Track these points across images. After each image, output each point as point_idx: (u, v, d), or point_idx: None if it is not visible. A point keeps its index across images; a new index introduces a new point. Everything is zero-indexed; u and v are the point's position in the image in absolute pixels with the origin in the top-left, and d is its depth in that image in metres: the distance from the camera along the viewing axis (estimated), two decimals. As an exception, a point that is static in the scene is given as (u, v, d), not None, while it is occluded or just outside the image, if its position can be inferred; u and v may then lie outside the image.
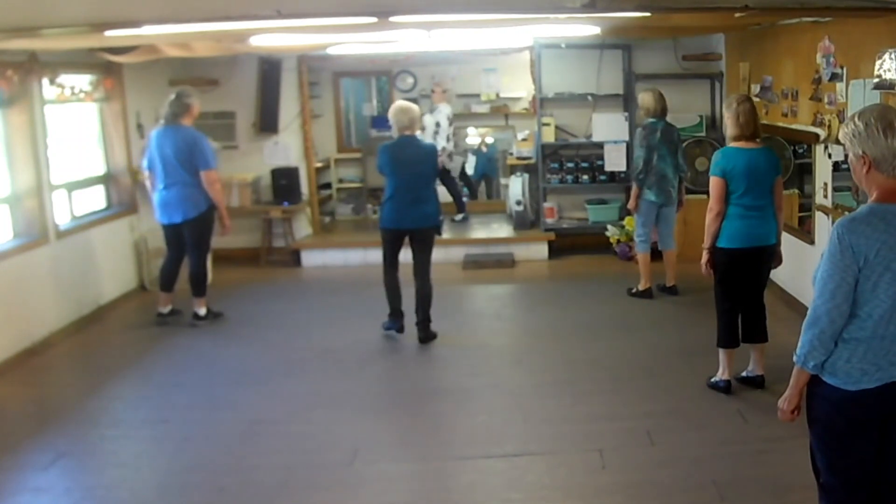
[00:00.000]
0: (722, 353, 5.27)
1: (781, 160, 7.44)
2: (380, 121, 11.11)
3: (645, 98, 7.36)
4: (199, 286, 7.10)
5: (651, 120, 7.31)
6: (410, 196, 6.30)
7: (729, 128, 5.20)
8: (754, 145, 5.16)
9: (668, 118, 7.44)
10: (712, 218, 5.14)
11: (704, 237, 5.21)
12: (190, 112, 6.90)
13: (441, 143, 10.00)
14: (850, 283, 2.72)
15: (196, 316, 7.12)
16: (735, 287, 5.23)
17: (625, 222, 8.98)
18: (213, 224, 7.04)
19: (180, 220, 6.90)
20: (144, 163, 7.09)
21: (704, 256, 5.22)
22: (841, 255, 2.71)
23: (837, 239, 2.71)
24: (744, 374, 5.34)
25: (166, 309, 7.19)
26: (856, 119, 2.76)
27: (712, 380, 5.31)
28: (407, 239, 6.46)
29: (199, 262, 7.06)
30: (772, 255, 5.26)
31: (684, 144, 8.71)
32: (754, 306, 5.29)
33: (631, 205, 7.54)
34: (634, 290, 7.57)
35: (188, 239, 7.00)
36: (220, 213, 7.00)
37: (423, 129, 9.78)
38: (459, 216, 10.35)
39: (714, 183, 5.13)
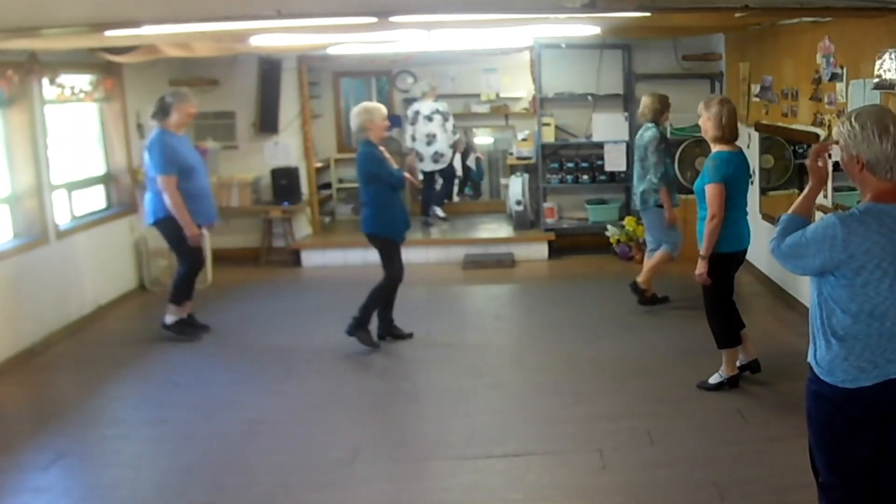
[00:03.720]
0: (727, 352, 5.28)
1: (781, 160, 7.47)
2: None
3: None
4: (174, 292, 6.75)
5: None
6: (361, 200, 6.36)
7: (710, 129, 5.14)
8: (737, 148, 5.21)
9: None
10: (715, 226, 5.02)
11: (705, 246, 5.07)
12: (170, 113, 6.48)
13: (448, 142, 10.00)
14: (814, 264, 2.79)
15: (163, 323, 6.76)
16: (731, 288, 5.30)
17: (625, 222, 8.98)
18: (179, 231, 6.53)
19: (147, 225, 6.83)
20: None
21: (703, 266, 5.08)
22: (821, 239, 2.76)
23: (829, 226, 2.75)
24: (738, 363, 5.36)
25: (183, 315, 6.93)
26: (852, 120, 2.76)
27: (713, 381, 5.30)
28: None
29: (179, 269, 6.75)
30: None
31: (683, 145, 8.73)
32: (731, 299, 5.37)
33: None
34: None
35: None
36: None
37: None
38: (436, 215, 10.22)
39: (718, 190, 5.03)
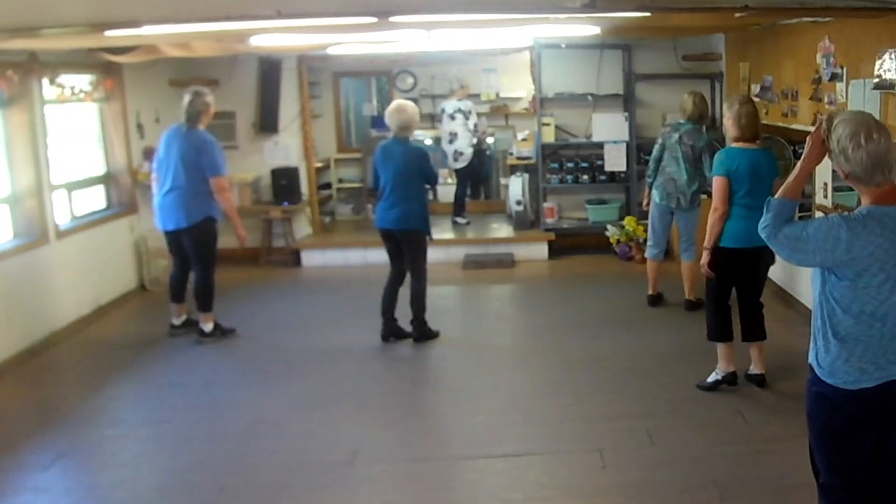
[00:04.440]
0: (720, 347, 5.30)
1: (781, 160, 7.46)
2: (379, 121, 11.06)
3: (683, 100, 7.13)
4: (203, 300, 6.62)
5: (680, 121, 7.14)
6: (393, 197, 6.30)
7: (730, 129, 5.27)
8: (755, 146, 5.24)
9: (676, 120, 7.25)
10: (717, 218, 5.15)
11: (706, 237, 5.21)
12: (208, 112, 6.43)
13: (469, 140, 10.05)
14: (812, 260, 2.81)
15: (201, 332, 6.67)
16: (730, 285, 5.30)
17: (625, 222, 8.98)
18: (214, 235, 6.58)
19: (173, 228, 6.52)
20: (154, 164, 6.71)
21: (706, 257, 5.22)
22: (825, 238, 2.76)
23: (833, 226, 2.75)
24: (747, 372, 5.37)
25: (178, 320, 6.87)
26: (832, 133, 2.80)
27: (711, 378, 5.30)
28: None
29: (202, 275, 6.58)
30: (770, 255, 5.26)
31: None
32: (753, 305, 5.32)
33: (644, 204, 7.46)
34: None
35: (188, 249, 6.61)
36: (232, 222, 6.57)
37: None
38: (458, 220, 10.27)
39: (719, 183, 5.16)
